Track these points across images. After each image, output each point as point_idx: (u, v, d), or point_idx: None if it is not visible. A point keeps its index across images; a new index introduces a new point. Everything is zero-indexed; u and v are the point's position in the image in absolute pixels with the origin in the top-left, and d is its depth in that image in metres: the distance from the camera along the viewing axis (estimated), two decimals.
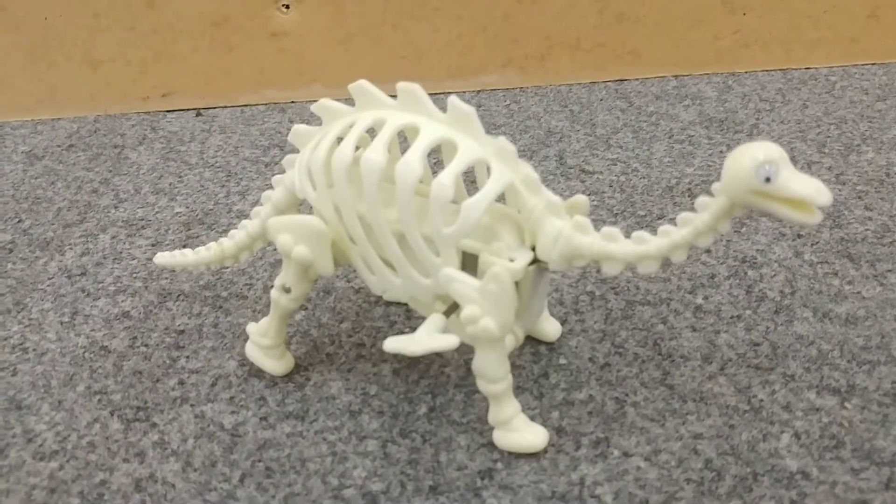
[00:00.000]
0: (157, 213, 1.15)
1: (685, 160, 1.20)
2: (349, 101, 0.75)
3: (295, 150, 0.79)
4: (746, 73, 1.51)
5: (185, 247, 1.06)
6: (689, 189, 1.13)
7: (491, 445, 0.74)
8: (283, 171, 0.82)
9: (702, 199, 0.62)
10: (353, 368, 0.83)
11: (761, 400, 0.77)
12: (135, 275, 1.01)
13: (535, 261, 0.69)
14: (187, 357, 0.87)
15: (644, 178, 1.16)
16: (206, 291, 0.97)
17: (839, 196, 1.10)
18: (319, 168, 0.73)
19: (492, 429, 0.74)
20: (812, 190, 0.57)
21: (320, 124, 0.77)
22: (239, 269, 1.00)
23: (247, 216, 1.12)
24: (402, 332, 0.88)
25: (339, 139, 0.73)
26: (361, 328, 0.89)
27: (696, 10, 1.48)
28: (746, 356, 0.82)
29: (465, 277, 0.68)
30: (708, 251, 0.99)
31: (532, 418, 0.75)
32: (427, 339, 0.67)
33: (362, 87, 0.73)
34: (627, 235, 0.67)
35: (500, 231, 0.70)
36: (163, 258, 0.95)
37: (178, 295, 0.97)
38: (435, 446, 0.74)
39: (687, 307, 0.89)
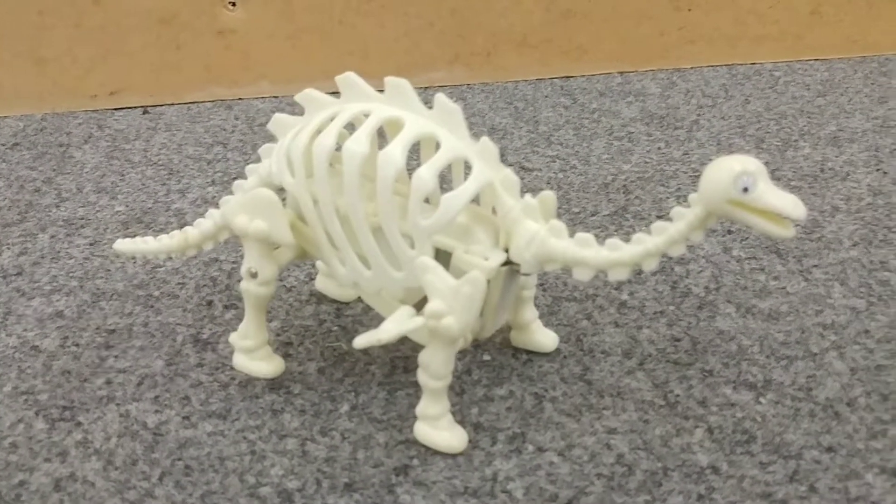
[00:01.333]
0: (97, 211, 1.15)
1: (623, 157, 1.22)
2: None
3: (273, 139, 0.79)
4: (692, 68, 1.53)
5: None
6: (624, 186, 1.14)
7: (409, 442, 0.75)
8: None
9: (677, 209, 0.63)
10: None
11: (678, 395, 0.79)
12: (71, 274, 1.01)
13: (507, 262, 0.70)
14: (116, 356, 0.87)
15: (581, 174, 1.17)
16: (139, 290, 0.97)
17: None
18: (299, 156, 0.72)
19: (411, 424, 0.75)
20: (788, 203, 0.58)
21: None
22: (172, 268, 1.00)
23: (185, 214, 1.12)
24: (330, 331, 0.89)
25: (320, 130, 0.73)
26: (290, 327, 0.90)
27: (642, 6, 1.49)
28: (666, 351, 0.84)
29: (441, 271, 0.68)
30: None
31: (451, 414, 0.76)
32: (395, 325, 0.68)
33: (349, 79, 0.73)
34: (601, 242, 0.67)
35: (475, 230, 0.70)
36: (123, 245, 0.91)
37: (112, 294, 0.97)
38: (353, 444, 0.75)
39: (612, 303, 0.90)
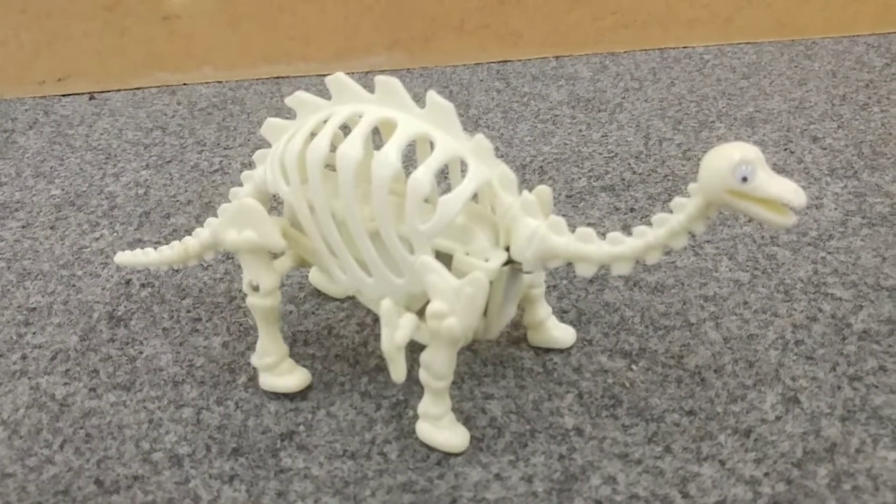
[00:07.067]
0: (33, 195, 1.19)
1: (544, 139, 1.26)
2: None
3: (266, 145, 0.79)
4: (625, 52, 1.57)
5: (52, 228, 1.10)
6: (540, 167, 1.18)
7: (298, 410, 0.79)
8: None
9: (677, 200, 0.62)
10: (186, 342, 0.89)
11: (556, 363, 0.83)
12: (0, 256, 1.05)
13: (508, 261, 0.69)
14: (34, 333, 0.91)
15: (502, 156, 1.21)
16: (64, 270, 1.01)
17: (682, 171, 1.16)
18: (293, 162, 0.72)
19: (304, 393, 0.80)
20: (788, 191, 0.57)
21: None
22: (97, 249, 1.05)
23: (116, 197, 1.17)
24: (240, 307, 0.93)
25: (314, 134, 0.72)
26: (201, 304, 0.94)
27: None
28: None
29: (443, 271, 0.67)
30: None
31: (342, 384, 0.81)
32: (386, 332, 0.69)
33: (339, 79, 0.72)
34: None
35: (474, 231, 0.69)
36: (124, 257, 0.93)
37: (37, 274, 1.01)
38: (246, 412, 0.80)
39: None
